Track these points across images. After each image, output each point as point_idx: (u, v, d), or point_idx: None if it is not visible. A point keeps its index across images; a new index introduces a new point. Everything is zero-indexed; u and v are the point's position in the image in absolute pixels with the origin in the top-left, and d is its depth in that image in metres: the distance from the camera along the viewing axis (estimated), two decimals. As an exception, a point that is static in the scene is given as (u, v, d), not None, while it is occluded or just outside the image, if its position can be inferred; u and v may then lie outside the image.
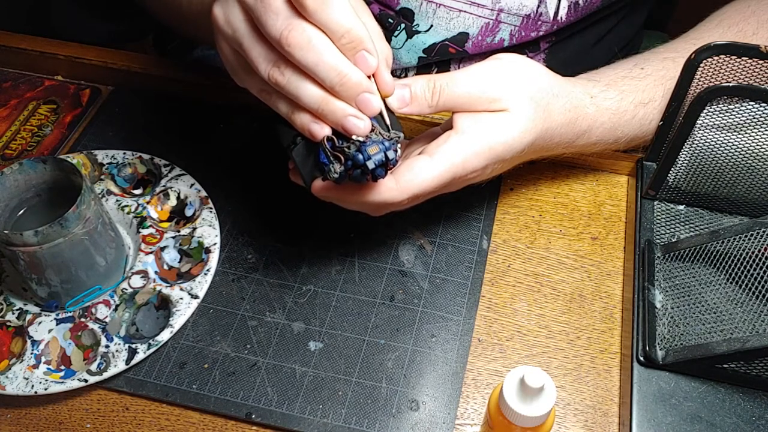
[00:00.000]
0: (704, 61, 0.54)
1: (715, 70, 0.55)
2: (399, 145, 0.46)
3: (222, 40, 0.47)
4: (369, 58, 0.44)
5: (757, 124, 0.53)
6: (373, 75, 0.46)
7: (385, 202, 0.48)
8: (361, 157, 0.44)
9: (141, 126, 0.70)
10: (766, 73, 0.54)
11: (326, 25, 0.43)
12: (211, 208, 0.61)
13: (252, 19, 0.45)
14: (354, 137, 0.45)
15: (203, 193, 0.62)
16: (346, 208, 0.51)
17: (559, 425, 0.51)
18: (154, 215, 0.62)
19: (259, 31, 0.45)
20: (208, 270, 0.57)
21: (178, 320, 0.54)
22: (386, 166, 0.45)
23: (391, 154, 0.45)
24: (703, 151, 0.55)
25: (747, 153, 0.54)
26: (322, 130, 0.45)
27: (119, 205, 0.62)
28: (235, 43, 0.46)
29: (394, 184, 0.48)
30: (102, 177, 0.64)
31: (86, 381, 0.51)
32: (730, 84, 0.51)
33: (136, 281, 0.57)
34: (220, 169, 0.65)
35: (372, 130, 0.45)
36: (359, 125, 0.45)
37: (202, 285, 0.57)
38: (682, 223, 0.59)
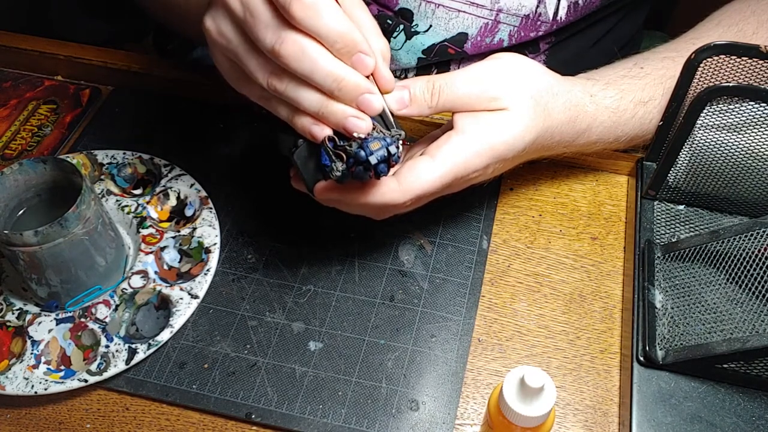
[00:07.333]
0: (704, 61, 0.54)
1: (715, 70, 0.55)
2: (400, 142, 0.46)
3: (217, 51, 0.47)
4: (366, 59, 0.44)
5: (757, 124, 0.53)
6: (372, 74, 0.46)
7: (388, 204, 0.48)
8: (363, 153, 0.44)
9: (141, 126, 0.70)
10: (766, 73, 0.54)
11: (318, 33, 0.43)
12: (211, 208, 0.61)
13: (244, 31, 0.44)
14: (355, 135, 0.45)
15: (203, 193, 0.62)
16: (349, 213, 0.51)
17: (559, 425, 0.51)
18: (154, 215, 0.62)
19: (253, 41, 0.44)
20: (208, 270, 0.57)
21: (178, 320, 0.54)
22: (388, 161, 0.45)
23: (393, 149, 0.45)
24: (703, 151, 0.55)
25: (747, 153, 0.54)
26: (323, 131, 0.45)
27: (119, 205, 0.62)
28: (231, 54, 0.46)
29: (397, 186, 0.48)
30: (102, 177, 0.64)
31: (86, 381, 0.51)
32: (730, 84, 0.51)
33: (136, 281, 0.57)
34: (220, 169, 0.65)
35: (373, 128, 0.45)
36: (360, 124, 0.45)
37: (202, 285, 0.57)
38: (682, 223, 0.59)
